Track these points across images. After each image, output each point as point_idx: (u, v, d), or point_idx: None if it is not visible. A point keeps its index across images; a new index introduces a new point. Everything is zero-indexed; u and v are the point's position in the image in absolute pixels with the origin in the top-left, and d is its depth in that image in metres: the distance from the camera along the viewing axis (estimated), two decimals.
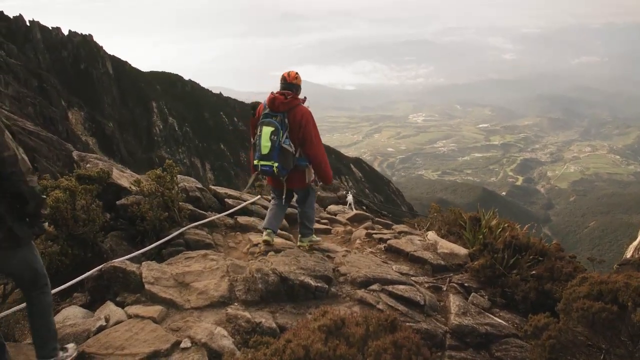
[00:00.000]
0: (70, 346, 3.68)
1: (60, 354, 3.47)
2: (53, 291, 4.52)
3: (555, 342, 4.29)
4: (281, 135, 5.42)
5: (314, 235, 6.47)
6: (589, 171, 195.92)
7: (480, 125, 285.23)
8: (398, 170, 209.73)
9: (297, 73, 5.83)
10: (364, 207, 15.13)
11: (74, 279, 4.80)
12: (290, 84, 5.71)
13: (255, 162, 5.55)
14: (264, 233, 6.08)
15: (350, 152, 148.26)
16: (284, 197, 5.97)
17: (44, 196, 3.15)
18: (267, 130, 5.40)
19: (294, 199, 6.37)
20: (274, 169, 5.43)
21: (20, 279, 3.32)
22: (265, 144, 5.38)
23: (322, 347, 2.58)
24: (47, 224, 3.23)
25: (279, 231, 6.70)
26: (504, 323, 5.07)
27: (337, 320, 2.93)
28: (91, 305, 4.87)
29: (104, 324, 4.21)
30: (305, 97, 5.79)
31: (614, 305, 4.04)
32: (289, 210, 7.03)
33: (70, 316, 4.45)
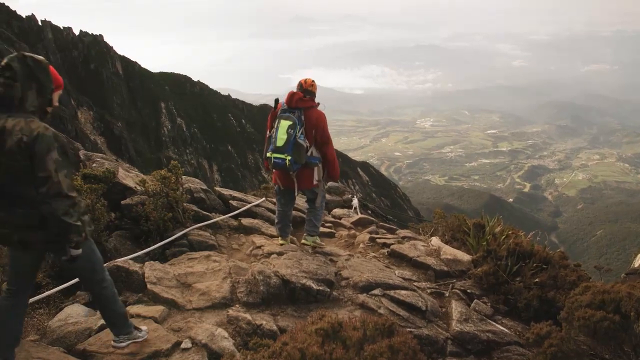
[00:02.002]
0: (144, 327, 3.91)
1: (135, 332, 3.76)
2: (55, 289, 4.57)
3: (557, 350, 4.27)
4: (297, 130, 5.62)
5: (318, 237, 6.56)
6: (597, 179, 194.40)
7: (488, 132, 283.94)
8: (405, 174, 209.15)
9: (313, 81, 6.09)
10: (369, 212, 15.12)
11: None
12: (306, 90, 5.96)
13: (268, 154, 5.73)
14: (280, 239, 6.43)
15: (357, 156, 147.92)
16: (296, 193, 6.14)
17: (78, 223, 3.19)
18: (284, 124, 5.61)
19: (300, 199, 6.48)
20: (287, 161, 5.58)
21: (77, 276, 3.59)
22: (282, 137, 5.57)
23: (318, 350, 2.58)
24: (79, 250, 3.27)
25: None
26: (506, 330, 5.05)
27: (334, 324, 2.93)
28: (94, 304, 4.89)
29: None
30: (319, 102, 6.00)
31: (616, 314, 4.03)
32: (293, 212, 7.07)
33: (73, 314, 4.47)
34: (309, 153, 5.83)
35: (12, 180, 3.09)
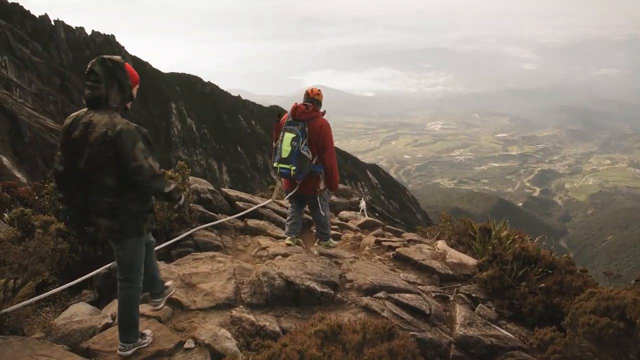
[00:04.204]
0: (148, 332, 3.99)
1: (139, 340, 3.86)
2: (61, 287, 4.61)
3: (560, 356, 4.25)
4: (301, 142, 5.88)
5: (331, 240, 6.89)
6: (607, 184, 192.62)
7: (498, 135, 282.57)
8: (414, 177, 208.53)
9: (319, 90, 6.36)
10: (377, 214, 15.11)
11: (83, 275, 4.87)
12: (312, 98, 6.23)
13: (275, 164, 6.05)
14: (287, 239, 6.60)
15: (366, 158, 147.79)
16: (291, 193, 6.41)
17: (172, 186, 3.72)
18: (288, 136, 5.88)
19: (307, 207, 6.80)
20: (291, 171, 5.88)
21: (120, 266, 3.80)
22: (286, 149, 5.86)
23: (317, 352, 2.58)
24: (182, 200, 3.95)
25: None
26: (510, 335, 5.02)
27: (334, 326, 2.93)
28: (99, 303, 4.94)
29: (110, 321, 4.27)
30: (324, 111, 6.26)
31: (621, 321, 3.99)
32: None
33: (78, 313, 4.52)
34: (314, 161, 6.10)
35: (93, 169, 3.44)
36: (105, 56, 3.52)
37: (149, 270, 4.20)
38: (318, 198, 6.42)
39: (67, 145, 3.51)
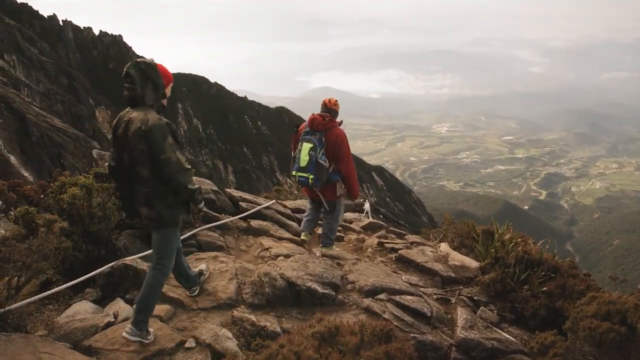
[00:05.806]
0: (150, 331, 4.04)
1: (145, 334, 3.95)
2: (64, 286, 4.64)
3: None
4: (318, 151, 6.08)
5: (334, 246, 6.92)
6: (614, 188, 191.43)
7: (505, 138, 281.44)
8: (420, 180, 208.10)
9: (336, 100, 6.56)
10: (381, 216, 15.10)
11: (86, 274, 4.89)
12: (330, 109, 6.43)
13: (293, 173, 6.26)
14: (302, 234, 6.81)
15: (372, 160, 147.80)
16: (325, 205, 6.59)
17: (197, 186, 3.94)
18: (306, 146, 6.09)
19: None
20: (310, 180, 6.08)
21: (154, 249, 4.06)
22: (304, 158, 6.07)
23: (313, 354, 2.59)
24: (202, 204, 4.23)
25: (290, 236, 7.23)
26: (512, 339, 5.01)
27: (331, 328, 2.93)
28: (102, 301, 4.96)
29: (112, 320, 4.30)
30: (341, 121, 6.46)
31: (622, 326, 3.99)
32: None
33: (81, 311, 4.54)
34: (330, 170, 6.29)
35: (133, 162, 3.75)
36: (139, 59, 3.83)
37: (181, 272, 4.58)
38: (336, 203, 6.60)
39: (114, 141, 3.87)
